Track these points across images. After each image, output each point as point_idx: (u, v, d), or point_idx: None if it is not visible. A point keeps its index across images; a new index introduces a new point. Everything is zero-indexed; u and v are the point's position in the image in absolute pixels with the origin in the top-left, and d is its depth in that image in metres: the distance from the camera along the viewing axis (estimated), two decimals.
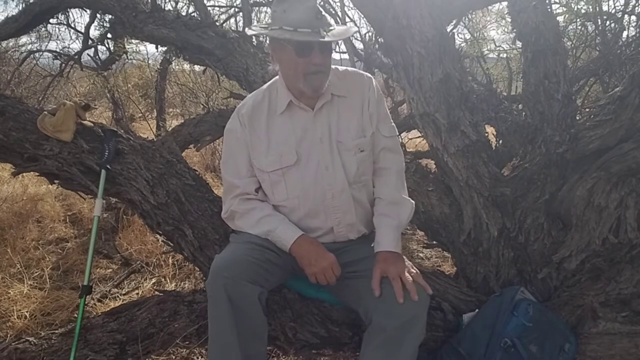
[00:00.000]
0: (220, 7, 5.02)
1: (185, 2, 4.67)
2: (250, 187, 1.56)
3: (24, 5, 3.73)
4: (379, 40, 2.07)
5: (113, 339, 1.67)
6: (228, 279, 1.34)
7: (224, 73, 2.80)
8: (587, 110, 3.15)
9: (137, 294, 2.86)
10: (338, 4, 4.16)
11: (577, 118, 1.98)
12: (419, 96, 1.97)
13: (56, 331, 1.78)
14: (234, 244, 1.55)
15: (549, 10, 2.01)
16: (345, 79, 1.55)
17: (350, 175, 1.54)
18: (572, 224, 1.85)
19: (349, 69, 1.62)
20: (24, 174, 1.94)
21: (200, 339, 1.68)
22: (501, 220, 1.92)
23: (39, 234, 3.67)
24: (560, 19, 3.18)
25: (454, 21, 3.74)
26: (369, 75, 1.60)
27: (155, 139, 2.45)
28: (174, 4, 4.61)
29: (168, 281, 2.96)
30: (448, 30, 2.17)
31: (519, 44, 2.14)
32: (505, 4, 2.53)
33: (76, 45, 5.50)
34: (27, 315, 2.50)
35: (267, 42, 1.57)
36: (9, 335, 2.30)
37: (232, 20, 4.97)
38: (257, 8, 4.97)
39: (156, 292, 1.90)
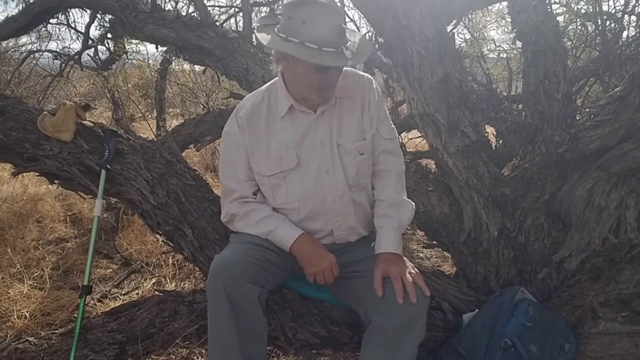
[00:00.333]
0: (220, 7, 5.03)
1: (185, 2, 4.67)
2: (249, 191, 1.56)
3: (24, 5, 3.73)
4: (379, 40, 2.07)
5: (113, 339, 1.67)
6: (228, 279, 1.34)
7: (224, 73, 2.80)
8: (587, 110, 3.15)
9: (137, 294, 2.86)
10: (338, 4, 4.15)
11: (577, 118, 1.98)
12: (419, 96, 1.97)
13: (56, 331, 1.78)
14: (233, 244, 1.55)
15: (549, 10, 2.01)
16: (346, 80, 1.53)
17: (350, 179, 1.53)
18: (572, 224, 1.85)
19: (349, 69, 1.59)
20: (24, 174, 1.94)
21: (200, 339, 1.68)
22: (501, 220, 1.92)
23: (39, 234, 3.67)
24: (560, 19, 3.18)
25: (454, 21, 3.73)
26: (369, 76, 1.59)
27: (155, 139, 2.45)
28: (174, 4, 4.61)
29: (168, 281, 2.96)
30: (448, 30, 2.17)
31: (519, 44, 2.14)
32: (505, 4, 2.53)
33: (76, 45, 5.51)
34: (27, 315, 2.50)
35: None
36: (9, 335, 2.30)
37: (232, 20, 4.98)
38: (257, 8, 4.97)
39: (156, 292, 1.90)
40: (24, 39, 5.65)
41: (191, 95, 6.57)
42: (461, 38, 4.68)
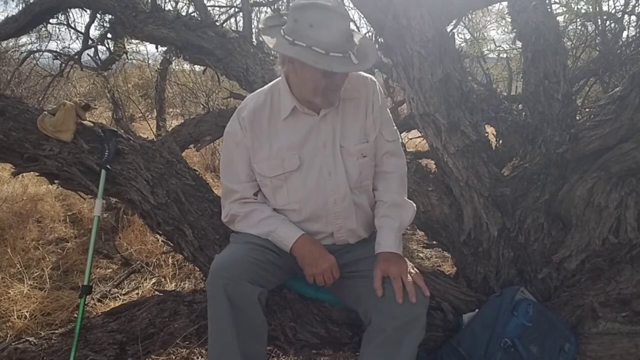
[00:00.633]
0: (220, 7, 5.02)
1: (185, 2, 4.67)
2: (249, 192, 1.55)
3: (24, 5, 3.73)
4: (379, 40, 2.07)
5: (113, 339, 1.67)
6: (228, 279, 1.34)
7: (224, 73, 2.80)
8: (587, 110, 3.15)
9: (137, 294, 2.86)
10: (345, 7, 4.15)
11: (577, 118, 1.98)
12: (419, 96, 1.97)
13: (56, 331, 1.78)
14: (234, 244, 1.55)
15: (549, 10, 2.01)
16: (350, 82, 1.51)
17: (352, 181, 1.53)
18: (572, 224, 1.85)
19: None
20: (24, 174, 1.94)
21: (200, 339, 1.68)
22: (501, 220, 1.92)
23: (39, 234, 3.67)
24: (560, 19, 3.18)
25: (454, 21, 3.73)
26: (373, 78, 1.58)
27: (155, 139, 2.45)
28: (174, 4, 4.60)
29: (168, 281, 2.96)
30: (448, 30, 2.17)
31: (519, 44, 2.14)
32: (505, 4, 2.53)
33: (76, 45, 5.51)
34: (27, 315, 2.50)
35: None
36: (9, 335, 2.30)
37: (232, 20, 4.97)
38: (257, 8, 4.97)
39: (156, 292, 1.90)
40: (24, 39, 5.66)
41: (191, 95, 6.57)
42: (461, 38, 4.68)
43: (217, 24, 3.10)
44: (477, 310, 1.77)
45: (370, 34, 3.76)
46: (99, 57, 4.45)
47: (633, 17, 3.38)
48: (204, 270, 1.77)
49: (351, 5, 2.86)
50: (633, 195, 1.75)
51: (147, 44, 4.50)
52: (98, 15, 3.88)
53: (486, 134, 2.02)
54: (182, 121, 3.63)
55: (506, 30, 4.17)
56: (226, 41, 2.71)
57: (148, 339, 1.68)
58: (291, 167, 1.49)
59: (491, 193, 1.92)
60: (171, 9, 3.63)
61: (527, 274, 1.92)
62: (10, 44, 5.88)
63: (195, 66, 5.33)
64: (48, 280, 2.92)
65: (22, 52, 5.65)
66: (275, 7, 4.56)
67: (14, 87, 5.49)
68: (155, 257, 3.22)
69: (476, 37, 4.42)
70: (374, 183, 1.62)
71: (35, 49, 5.50)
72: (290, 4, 1.43)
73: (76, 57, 4.47)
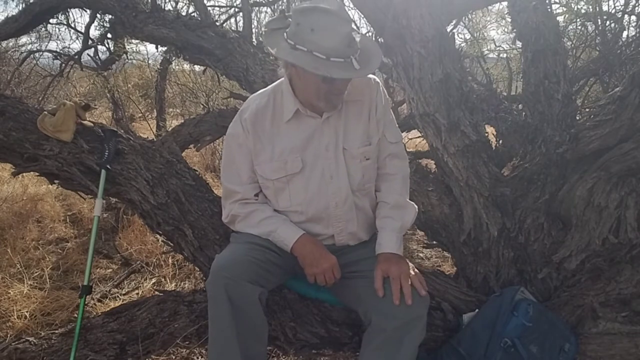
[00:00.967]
0: (220, 7, 5.02)
1: (185, 2, 4.66)
2: (250, 193, 1.55)
3: (24, 5, 3.73)
4: (379, 40, 2.07)
5: (113, 339, 1.67)
6: (228, 279, 1.34)
7: (224, 73, 2.80)
8: (587, 110, 3.14)
9: (137, 294, 2.86)
10: (347, 11, 4.15)
11: (577, 118, 1.98)
12: (419, 96, 1.97)
13: (56, 331, 1.78)
14: (234, 244, 1.55)
15: (549, 10, 2.01)
16: (354, 83, 1.50)
17: (355, 184, 1.52)
18: (572, 224, 1.85)
19: None
20: (24, 174, 1.94)
21: (201, 339, 1.68)
22: (501, 220, 1.92)
23: (39, 234, 3.67)
24: (560, 19, 3.18)
25: (454, 21, 3.73)
26: (376, 78, 1.57)
27: (155, 139, 2.45)
28: (174, 4, 4.60)
29: (168, 281, 2.96)
30: (448, 30, 2.17)
31: (519, 44, 2.14)
32: (505, 4, 2.53)
33: (76, 45, 5.50)
34: (27, 315, 2.50)
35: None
36: (9, 335, 2.30)
37: (232, 20, 4.97)
38: (257, 8, 4.97)
39: (156, 292, 1.90)
40: (24, 39, 5.66)
41: (191, 95, 6.57)
42: (461, 38, 4.68)
43: (217, 24, 3.10)
44: (477, 310, 1.77)
45: (370, 34, 3.76)
46: (99, 57, 4.45)
47: (633, 17, 3.38)
48: (204, 270, 1.77)
49: (351, 5, 2.86)
50: (633, 195, 1.75)
51: (147, 44, 4.50)
52: (98, 15, 3.88)
53: (486, 134, 2.02)
54: (182, 121, 3.63)
55: (506, 30, 4.17)
56: (226, 41, 2.71)
57: (148, 339, 1.68)
58: (294, 170, 1.49)
59: (491, 193, 1.92)
60: (171, 9, 3.62)
61: (527, 274, 1.92)
62: (10, 44, 5.89)
63: (195, 66, 5.33)
64: (48, 280, 2.92)
65: (22, 52, 5.65)
66: (275, 7, 4.56)
67: (14, 87, 5.49)
68: (155, 257, 3.22)
69: (476, 37, 4.41)
70: (377, 184, 1.61)
71: (35, 49, 5.51)
72: (293, 7, 1.41)
73: (76, 57, 4.47)
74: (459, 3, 2.28)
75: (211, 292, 1.38)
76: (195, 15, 3.27)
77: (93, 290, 2.42)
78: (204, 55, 2.76)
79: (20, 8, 3.67)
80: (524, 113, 2.07)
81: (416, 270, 1.50)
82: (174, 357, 2.09)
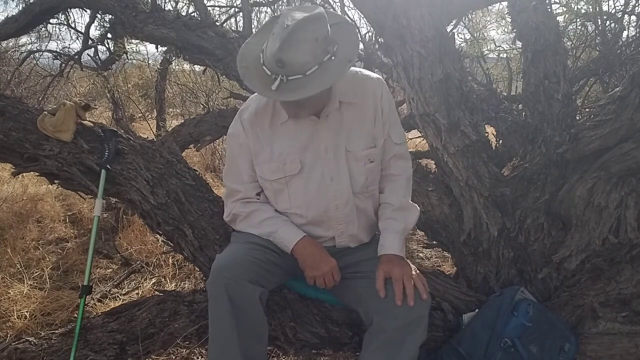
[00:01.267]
0: (220, 7, 5.02)
1: (185, 2, 4.66)
2: (252, 192, 1.55)
3: (24, 5, 3.73)
4: (379, 40, 2.07)
5: (113, 339, 1.67)
6: (229, 279, 1.34)
7: (224, 73, 2.80)
8: (587, 110, 3.15)
9: (137, 294, 2.86)
10: (338, 4, 4.17)
11: (577, 118, 1.98)
12: (419, 96, 1.97)
13: (56, 331, 1.78)
14: (234, 244, 1.55)
15: (549, 10, 2.01)
16: (356, 83, 1.48)
17: (357, 186, 1.51)
18: (572, 224, 1.85)
19: (359, 71, 1.53)
20: (24, 174, 1.94)
21: (201, 339, 1.68)
22: (501, 220, 1.92)
23: (39, 234, 3.67)
24: (560, 19, 3.18)
25: (454, 21, 3.73)
26: (380, 78, 1.54)
27: (155, 139, 2.45)
28: (174, 4, 4.60)
29: (168, 281, 2.96)
30: (448, 30, 2.17)
31: (519, 44, 2.14)
32: (505, 4, 2.53)
33: (76, 45, 5.50)
34: (27, 315, 2.50)
35: None
36: (9, 335, 2.30)
37: (232, 20, 4.97)
38: (257, 8, 4.97)
39: (156, 292, 1.90)
40: (24, 39, 5.66)
41: (191, 95, 6.57)
42: (461, 38, 4.68)
43: (217, 24, 3.10)
44: (477, 310, 1.77)
45: (370, 34, 3.76)
46: (99, 57, 4.46)
47: (633, 17, 3.38)
48: (204, 270, 1.77)
49: (351, 5, 2.86)
50: (633, 195, 1.75)
51: (147, 44, 4.50)
52: (98, 15, 3.88)
53: (486, 134, 2.02)
54: (182, 121, 3.63)
55: (506, 30, 4.17)
56: (226, 41, 2.71)
57: (148, 339, 1.68)
58: (292, 171, 1.48)
59: (491, 193, 1.92)
60: (171, 9, 3.63)
61: (527, 274, 1.92)
62: (10, 44, 5.89)
63: (195, 66, 5.33)
64: (48, 280, 2.92)
65: (22, 52, 5.66)
66: (275, 7, 4.56)
67: (14, 87, 5.49)
68: (155, 257, 3.22)
69: (476, 37, 4.42)
70: (380, 185, 1.60)
71: (35, 49, 5.51)
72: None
73: (76, 57, 4.47)
74: (459, 3, 2.28)
75: (211, 292, 1.38)
76: (195, 15, 3.27)
77: (93, 290, 2.42)
78: (204, 55, 2.76)
79: (20, 8, 3.68)
80: (524, 113, 2.07)
81: (418, 271, 1.50)
82: (174, 357, 2.09)
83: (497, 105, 2.10)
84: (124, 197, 1.81)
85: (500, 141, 2.09)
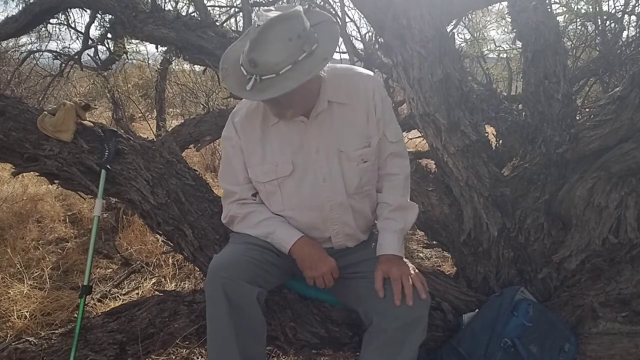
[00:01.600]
0: (220, 7, 5.02)
1: (185, 2, 4.67)
2: (248, 193, 1.55)
3: (24, 5, 3.73)
4: (379, 40, 2.07)
5: (113, 339, 1.67)
6: (226, 279, 1.34)
7: None
8: (587, 110, 3.15)
9: (137, 294, 2.86)
10: (338, 4, 4.17)
11: (577, 118, 1.98)
12: (419, 96, 1.97)
13: (56, 331, 1.78)
14: (232, 244, 1.55)
15: (549, 10, 2.01)
16: (348, 83, 1.47)
17: (352, 187, 1.50)
18: (572, 224, 1.85)
19: (352, 70, 1.52)
20: (24, 174, 1.94)
21: (200, 339, 1.68)
22: (501, 220, 1.92)
23: (39, 234, 3.67)
24: (560, 19, 3.18)
25: (454, 21, 3.73)
26: (372, 75, 1.53)
27: (155, 139, 2.45)
28: (174, 4, 4.61)
29: (168, 281, 2.96)
30: (448, 30, 2.17)
31: (519, 44, 2.14)
32: (505, 4, 2.53)
33: (76, 45, 5.50)
34: (27, 315, 2.50)
35: None
36: (9, 335, 2.30)
37: (232, 20, 4.97)
38: (257, 8, 4.97)
39: (156, 292, 1.90)
40: (24, 39, 5.66)
41: (191, 95, 6.57)
42: (461, 38, 4.68)
43: (217, 24, 3.10)
44: (477, 310, 1.77)
45: (370, 34, 3.77)
46: (99, 57, 4.46)
47: (633, 17, 3.39)
48: (204, 270, 1.77)
49: (351, 5, 2.86)
50: (633, 195, 1.75)
51: (147, 44, 4.51)
52: (98, 15, 3.89)
53: (486, 134, 2.02)
54: (182, 121, 3.63)
55: (506, 30, 4.18)
56: (226, 41, 2.71)
57: (148, 339, 1.68)
58: (284, 173, 1.47)
59: (491, 193, 1.92)
60: (171, 9, 3.63)
61: (527, 274, 1.92)
62: (10, 44, 5.89)
63: (195, 66, 5.34)
64: (48, 280, 2.92)
65: (22, 52, 5.66)
66: (275, 7, 4.55)
67: (14, 87, 5.49)
68: (155, 257, 3.22)
69: (476, 37, 4.42)
70: (377, 185, 1.59)
71: (35, 49, 5.51)
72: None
73: (76, 57, 4.48)
74: (459, 3, 2.28)
75: (209, 292, 1.37)
76: (195, 15, 3.27)
77: (93, 290, 2.42)
78: (204, 55, 2.76)
79: (20, 8, 3.68)
80: (524, 113, 2.07)
81: (417, 271, 1.49)
82: (174, 357, 2.09)
83: (497, 105, 2.10)
84: (124, 197, 1.81)
85: (500, 141, 2.09)
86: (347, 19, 4.44)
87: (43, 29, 4.80)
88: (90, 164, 1.75)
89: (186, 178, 1.84)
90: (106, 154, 1.76)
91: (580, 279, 1.81)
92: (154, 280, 2.99)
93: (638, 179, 1.76)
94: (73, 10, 4.04)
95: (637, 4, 3.31)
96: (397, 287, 1.40)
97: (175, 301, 1.74)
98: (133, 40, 4.05)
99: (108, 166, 1.74)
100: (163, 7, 3.10)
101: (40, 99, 5.32)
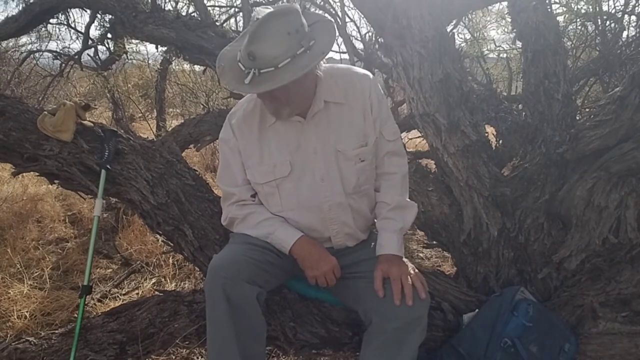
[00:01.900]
0: (220, 7, 5.03)
1: (185, 2, 4.67)
2: (247, 194, 1.54)
3: (24, 5, 3.73)
4: (379, 40, 2.07)
5: (113, 339, 1.67)
6: (226, 279, 1.34)
7: None
8: (587, 110, 3.15)
9: (137, 294, 2.86)
10: (338, 4, 4.17)
11: (577, 118, 1.98)
12: (419, 96, 1.97)
13: (56, 331, 1.78)
14: (232, 244, 1.55)
15: (549, 10, 2.01)
16: (344, 83, 1.47)
17: (350, 186, 1.50)
18: (572, 224, 1.85)
19: (348, 69, 1.53)
20: (24, 174, 1.94)
21: (200, 339, 1.68)
22: (501, 220, 1.92)
23: (39, 234, 3.67)
24: (560, 19, 3.19)
25: (454, 21, 3.73)
26: (369, 75, 1.53)
27: (155, 139, 2.45)
28: (174, 4, 4.61)
29: (168, 281, 2.96)
30: (448, 30, 2.17)
31: (519, 44, 2.14)
32: (505, 4, 2.53)
33: (76, 45, 5.50)
34: (27, 315, 2.50)
35: None
36: (9, 335, 2.30)
37: (232, 20, 4.97)
38: (257, 8, 4.97)
39: (156, 292, 1.90)
40: (24, 39, 5.66)
41: (191, 95, 6.57)
42: (461, 38, 4.69)
43: (217, 24, 3.10)
44: (477, 310, 1.77)
45: (370, 34, 3.77)
46: (99, 57, 4.46)
47: (633, 17, 3.39)
48: (204, 270, 1.77)
49: (351, 5, 2.86)
50: (633, 195, 1.75)
51: (147, 44, 4.51)
52: (98, 15, 3.89)
53: (486, 134, 2.02)
54: (182, 121, 3.63)
55: (506, 30, 4.18)
56: (226, 41, 2.70)
57: (148, 339, 1.68)
58: (282, 174, 1.47)
59: (491, 193, 1.92)
60: (171, 9, 3.63)
61: (527, 274, 1.92)
62: (10, 44, 5.89)
63: (195, 66, 5.33)
64: (48, 280, 2.92)
65: (22, 52, 5.67)
66: (274, 7, 4.55)
67: (14, 87, 5.49)
68: (155, 257, 3.22)
69: (476, 37, 4.42)
70: (376, 184, 1.59)
71: (35, 49, 5.52)
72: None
73: (76, 57, 4.48)
74: (459, 3, 2.28)
75: (209, 292, 1.37)
76: (195, 15, 3.27)
77: (93, 290, 2.42)
78: (204, 55, 2.76)
79: (20, 8, 3.68)
80: (524, 113, 2.07)
81: (417, 270, 1.49)
82: (174, 357, 2.09)
83: (497, 105, 2.10)
84: (124, 197, 1.81)
85: (500, 141, 2.09)
86: (347, 19, 4.45)
87: (43, 29, 4.80)
88: (90, 164, 1.75)
89: (186, 178, 1.84)
90: (106, 154, 1.76)
91: (580, 279, 1.81)
92: (154, 280, 2.99)
93: (638, 179, 1.76)
94: (73, 10, 4.04)
95: (637, 4, 3.31)
96: (396, 287, 1.40)
97: (175, 301, 1.74)
98: (133, 40, 4.06)
99: (108, 166, 1.74)
100: (163, 7, 3.10)
101: (40, 99, 5.33)
